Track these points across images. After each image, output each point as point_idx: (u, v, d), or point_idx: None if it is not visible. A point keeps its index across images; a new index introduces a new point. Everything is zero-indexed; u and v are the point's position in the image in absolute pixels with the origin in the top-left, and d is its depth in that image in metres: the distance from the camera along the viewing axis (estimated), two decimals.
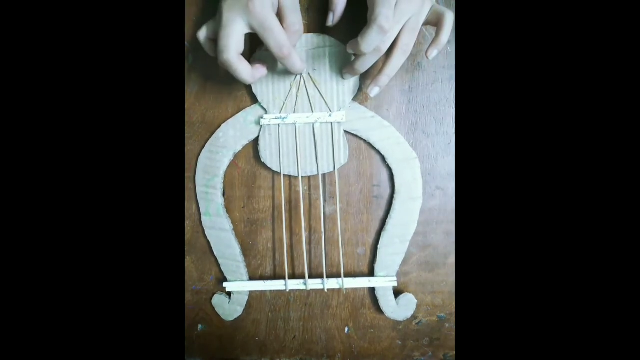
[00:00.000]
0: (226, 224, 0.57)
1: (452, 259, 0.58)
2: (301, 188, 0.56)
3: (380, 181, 0.57)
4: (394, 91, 0.55)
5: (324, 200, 0.57)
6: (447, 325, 0.60)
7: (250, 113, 0.55)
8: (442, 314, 0.60)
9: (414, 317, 0.59)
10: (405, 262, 0.58)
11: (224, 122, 0.56)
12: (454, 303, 0.59)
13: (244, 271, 0.58)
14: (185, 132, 0.57)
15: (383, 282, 0.57)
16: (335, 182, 0.56)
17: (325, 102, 0.54)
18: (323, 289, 0.57)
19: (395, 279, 0.57)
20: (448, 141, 0.56)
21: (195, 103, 0.56)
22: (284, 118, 0.54)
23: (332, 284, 0.57)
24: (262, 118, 0.54)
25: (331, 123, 0.55)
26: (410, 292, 0.59)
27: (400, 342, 0.61)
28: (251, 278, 0.59)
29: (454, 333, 0.60)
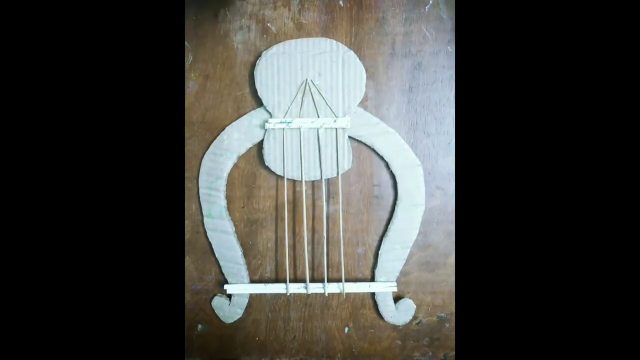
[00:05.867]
0: (228, 226, 0.57)
1: (452, 259, 0.58)
2: (303, 190, 0.56)
3: (381, 181, 0.57)
4: (394, 91, 0.55)
5: (327, 203, 0.57)
6: (447, 325, 0.60)
7: (255, 116, 0.55)
8: (442, 314, 0.60)
9: (414, 317, 0.59)
10: (405, 262, 0.58)
11: (223, 122, 0.56)
12: (454, 303, 0.59)
13: (244, 274, 0.58)
14: (185, 132, 0.57)
15: (383, 287, 0.57)
16: (336, 183, 0.56)
17: (330, 108, 0.54)
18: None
19: (395, 284, 0.57)
20: (448, 141, 0.56)
21: (195, 103, 0.56)
22: (288, 122, 0.54)
23: (332, 288, 0.57)
24: (267, 122, 0.54)
25: (336, 129, 0.55)
26: (410, 292, 0.59)
27: (400, 342, 0.61)
28: (251, 277, 0.59)
29: (454, 333, 0.60)
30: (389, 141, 0.55)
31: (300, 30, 0.55)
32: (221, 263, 0.58)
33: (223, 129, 0.56)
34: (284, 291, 0.57)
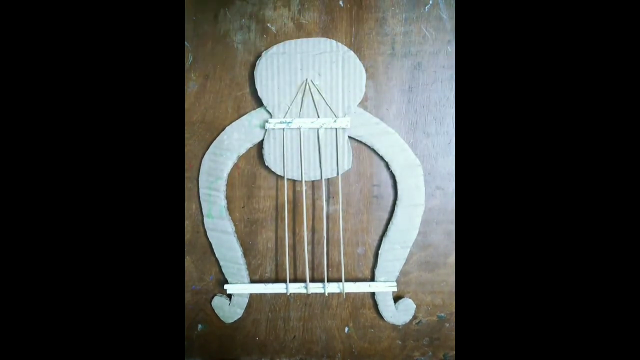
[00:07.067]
0: (228, 226, 0.57)
1: (452, 259, 0.58)
2: (303, 190, 0.56)
3: (381, 181, 0.57)
4: (394, 91, 0.55)
5: (327, 203, 0.57)
6: (447, 325, 0.60)
7: (255, 116, 0.55)
8: (442, 314, 0.60)
9: (414, 317, 0.59)
10: (405, 262, 0.58)
11: (223, 122, 0.56)
12: (454, 303, 0.59)
13: (245, 274, 0.58)
14: (185, 132, 0.57)
15: (383, 287, 0.57)
16: (336, 183, 0.56)
17: (330, 108, 0.54)
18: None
19: (395, 284, 0.57)
20: (448, 141, 0.56)
21: (195, 103, 0.56)
22: (288, 122, 0.54)
23: (332, 288, 0.57)
24: (267, 122, 0.54)
25: (336, 129, 0.55)
26: (410, 292, 0.59)
27: (400, 342, 0.61)
28: (251, 277, 0.59)
29: (454, 333, 0.60)
30: (389, 141, 0.55)
31: (300, 31, 0.55)
32: (221, 263, 0.58)
33: (223, 129, 0.56)
34: (284, 291, 0.57)
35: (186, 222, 0.58)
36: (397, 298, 0.59)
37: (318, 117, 0.54)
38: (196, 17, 0.55)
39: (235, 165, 0.57)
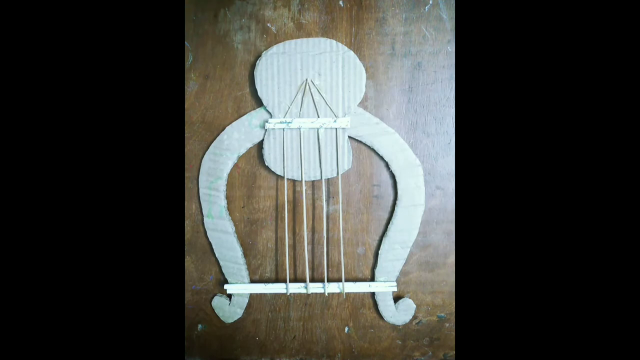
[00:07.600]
0: (228, 226, 0.57)
1: (452, 259, 0.58)
2: (303, 190, 0.56)
3: (380, 181, 0.57)
4: (394, 91, 0.55)
5: (327, 203, 0.57)
6: (447, 325, 0.60)
7: (255, 116, 0.56)
8: (442, 314, 0.60)
9: (414, 317, 0.59)
10: (405, 262, 0.58)
11: (223, 122, 0.56)
12: (454, 303, 0.59)
13: (245, 274, 0.58)
14: (185, 132, 0.57)
15: (383, 287, 0.57)
16: (336, 183, 0.56)
17: (330, 108, 0.54)
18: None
19: (395, 284, 0.57)
20: (448, 141, 0.56)
21: (195, 103, 0.56)
22: (288, 122, 0.54)
23: (332, 288, 0.57)
24: (267, 122, 0.54)
25: (336, 129, 0.55)
26: (410, 292, 0.59)
27: (400, 342, 0.61)
28: (251, 277, 0.59)
29: (454, 333, 0.60)
30: (389, 141, 0.55)
31: (300, 31, 0.55)
32: (221, 263, 0.58)
33: (223, 129, 0.56)
34: (284, 291, 0.57)
35: (186, 222, 0.58)
36: (397, 298, 0.59)
37: (318, 117, 0.54)
38: (196, 17, 0.55)
39: (235, 165, 0.57)
